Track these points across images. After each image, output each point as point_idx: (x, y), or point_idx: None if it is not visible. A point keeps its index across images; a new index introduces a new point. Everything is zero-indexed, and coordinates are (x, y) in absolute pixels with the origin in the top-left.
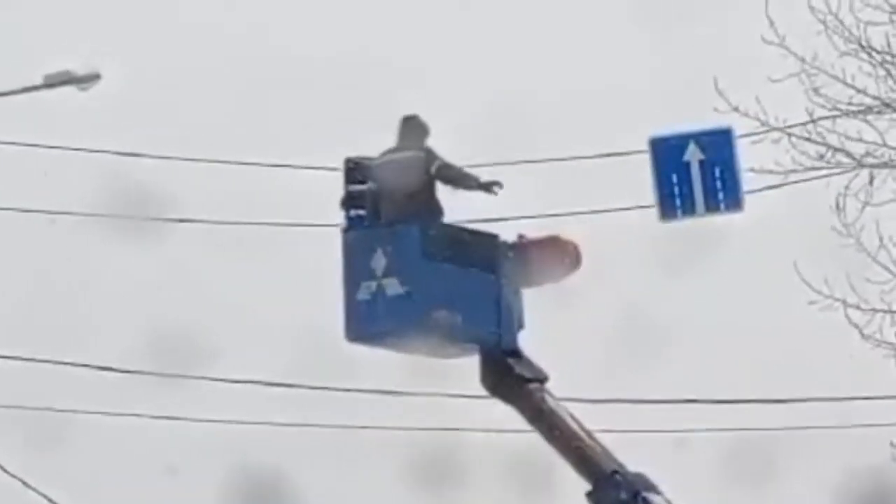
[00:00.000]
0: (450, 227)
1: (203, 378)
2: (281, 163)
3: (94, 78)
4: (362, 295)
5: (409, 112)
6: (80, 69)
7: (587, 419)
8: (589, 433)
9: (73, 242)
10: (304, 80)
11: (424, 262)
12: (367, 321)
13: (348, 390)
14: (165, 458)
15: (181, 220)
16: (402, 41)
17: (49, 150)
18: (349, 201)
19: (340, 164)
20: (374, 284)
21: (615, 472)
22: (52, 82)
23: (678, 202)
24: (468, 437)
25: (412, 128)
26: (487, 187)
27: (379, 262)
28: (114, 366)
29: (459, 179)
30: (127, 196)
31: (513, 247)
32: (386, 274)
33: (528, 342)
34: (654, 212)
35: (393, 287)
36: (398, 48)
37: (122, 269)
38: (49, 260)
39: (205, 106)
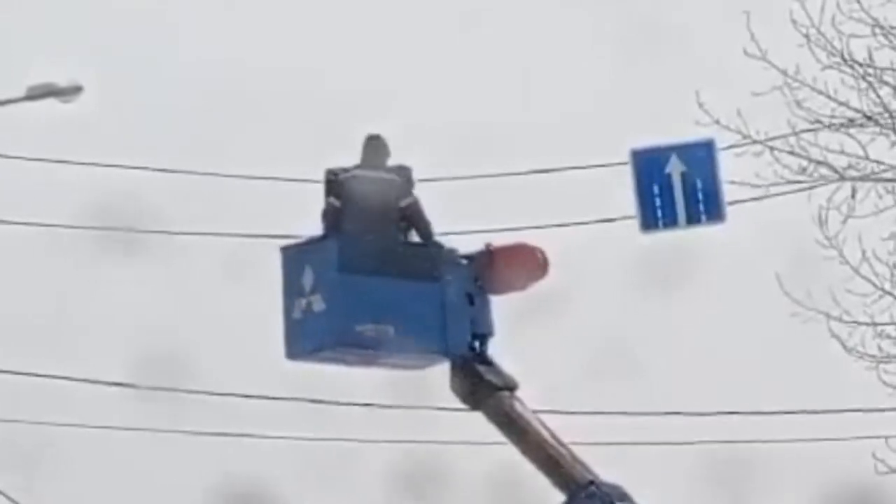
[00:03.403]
0: (379, 240)
1: (192, 392)
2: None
3: (76, 90)
4: (296, 313)
5: (374, 132)
6: (62, 81)
7: (564, 431)
8: (562, 442)
9: (59, 255)
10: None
11: (342, 277)
12: (300, 339)
13: (339, 403)
14: (152, 472)
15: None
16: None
17: (32, 161)
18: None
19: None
20: (304, 302)
21: (590, 482)
22: (34, 94)
23: (659, 214)
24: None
25: (376, 147)
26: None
27: (308, 279)
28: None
29: (418, 224)
30: (111, 210)
31: (475, 255)
32: (312, 291)
33: (499, 350)
34: (635, 224)
35: (318, 303)
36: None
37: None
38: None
39: (190, 118)
